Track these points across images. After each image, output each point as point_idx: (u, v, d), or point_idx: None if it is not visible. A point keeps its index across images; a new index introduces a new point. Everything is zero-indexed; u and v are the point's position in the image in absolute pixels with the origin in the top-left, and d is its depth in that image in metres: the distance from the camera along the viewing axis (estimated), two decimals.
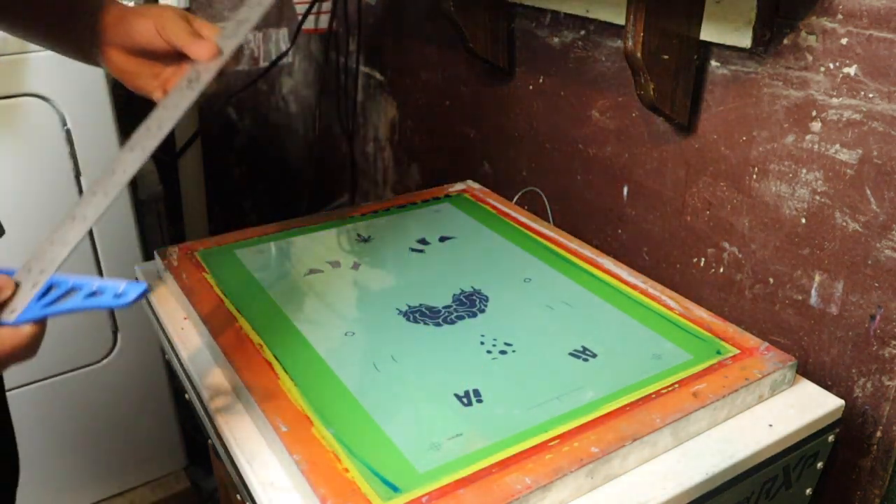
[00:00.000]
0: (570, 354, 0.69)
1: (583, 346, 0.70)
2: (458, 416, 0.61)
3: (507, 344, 0.70)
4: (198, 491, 1.49)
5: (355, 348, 0.71)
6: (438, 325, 0.73)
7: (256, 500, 0.55)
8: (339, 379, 0.65)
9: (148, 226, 1.57)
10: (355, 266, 0.85)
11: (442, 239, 0.92)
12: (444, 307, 0.77)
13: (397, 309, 0.77)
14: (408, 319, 0.75)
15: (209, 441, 0.70)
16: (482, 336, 0.72)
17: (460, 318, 0.75)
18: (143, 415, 1.40)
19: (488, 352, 0.69)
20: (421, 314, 0.75)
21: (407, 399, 0.63)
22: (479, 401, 0.63)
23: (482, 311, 0.76)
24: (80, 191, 1.20)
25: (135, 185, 1.51)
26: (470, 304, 0.77)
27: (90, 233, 1.23)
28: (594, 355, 0.69)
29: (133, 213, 1.27)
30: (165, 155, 1.59)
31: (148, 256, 1.32)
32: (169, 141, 1.59)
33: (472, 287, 0.80)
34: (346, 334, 0.72)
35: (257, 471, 0.57)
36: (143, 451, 1.42)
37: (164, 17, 0.63)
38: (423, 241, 0.91)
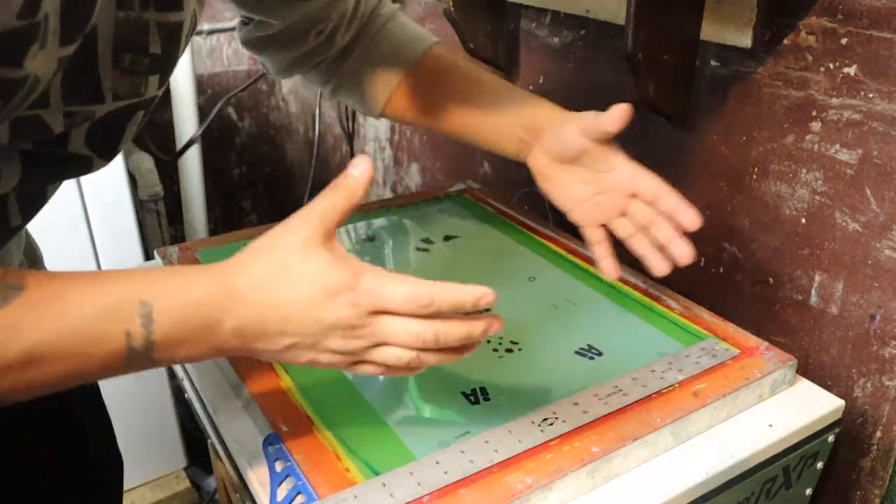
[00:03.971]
0: (576, 353, 0.69)
1: (588, 345, 0.70)
2: (466, 414, 0.61)
3: (513, 342, 0.71)
4: (198, 491, 1.49)
5: None
6: None
7: (256, 500, 0.55)
8: (346, 377, 0.65)
9: (148, 226, 1.57)
10: None
11: (446, 238, 0.92)
12: None
13: None
14: None
15: (209, 441, 0.70)
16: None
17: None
18: (143, 415, 1.40)
19: (494, 350, 0.69)
20: None
21: (415, 397, 0.64)
22: (487, 399, 0.63)
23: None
24: (81, 190, 1.20)
25: (135, 184, 1.51)
26: None
27: (90, 232, 1.23)
28: (600, 353, 0.69)
29: (133, 213, 1.27)
30: (165, 155, 1.59)
31: (148, 256, 1.32)
32: (169, 141, 1.60)
33: None
34: None
35: (257, 471, 0.57)
36: (143, 451, 1.42)
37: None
38: (427, 241, 0.91)
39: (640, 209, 0.68)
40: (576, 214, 0.72)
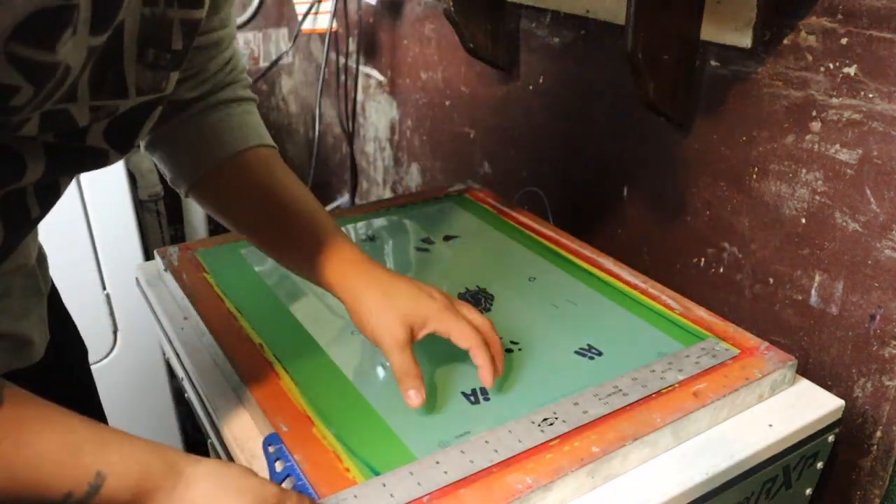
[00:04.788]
0: (576, 353, 0.69)
1: (588, 345, 0.70)
2: (466, 414, 0.61)
3: (513, 342, 0.71)
4: None
5: (362, 347, 0.71)
6: None
7: None
8: (346, 377, 0.65)
9: (148, 226, 1.57)
10: None
11: (446, 238, 0.92)
12: None
13: None
14: None
15: (209, 441, 0.70)
16: None
17: None
18: (142, 415, 1.40)
19: None
20: None
21: None
22: (487, 399, 0.63)
23: (488, 309, 0.76)
24: (81, 190, 1.20)
25: (135, 184, 1.51)
26: (475, 302, 0.77)
27: (90, 232, 1.23)
28: (600, 353, 0.69)
29: (133, 213, 1.27)
30: None
31: (148, 256, 1.32)
32: None
33: (478, 286, 0.80)
34: (352, 333, 0.72)
35: (257, 471, 0.57)
36: None
37: (433, 322, 0.61)
38: (427, 241, 0.91)
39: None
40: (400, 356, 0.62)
